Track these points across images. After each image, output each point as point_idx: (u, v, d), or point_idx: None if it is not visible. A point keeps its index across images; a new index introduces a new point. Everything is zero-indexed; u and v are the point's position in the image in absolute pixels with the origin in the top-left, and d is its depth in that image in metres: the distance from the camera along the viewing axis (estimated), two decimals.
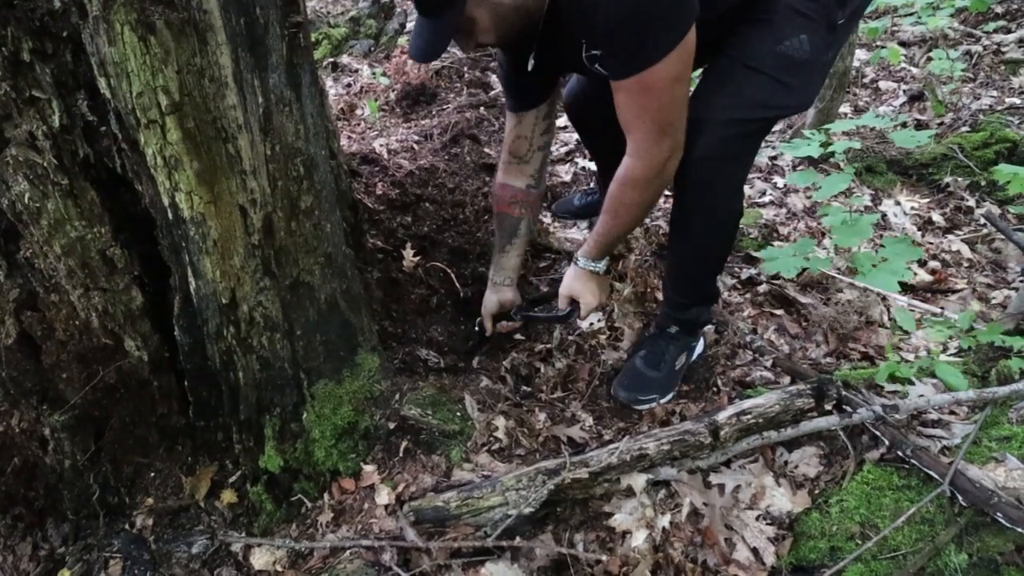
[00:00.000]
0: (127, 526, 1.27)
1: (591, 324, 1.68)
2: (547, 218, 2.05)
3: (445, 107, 2.75)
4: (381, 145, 2.37)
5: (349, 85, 3.12)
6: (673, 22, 1.04)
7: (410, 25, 3.99)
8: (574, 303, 1.44)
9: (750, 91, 1.18)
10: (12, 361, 1.12)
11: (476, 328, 1.65)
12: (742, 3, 1.19)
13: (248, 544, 1.23)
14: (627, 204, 1.26)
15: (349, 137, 2.57)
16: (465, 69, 3.12)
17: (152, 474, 1.30)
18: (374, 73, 3.18)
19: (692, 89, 1.24)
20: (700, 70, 1.32)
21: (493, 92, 2.90)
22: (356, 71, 3.28)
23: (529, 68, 1.31)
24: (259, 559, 1.21)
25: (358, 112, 2.87)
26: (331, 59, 3.44)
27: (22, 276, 1.07)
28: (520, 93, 1.45)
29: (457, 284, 1.75)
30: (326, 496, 1.27)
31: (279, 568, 1.19)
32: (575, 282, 1.41)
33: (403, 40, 3.68)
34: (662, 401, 1.46)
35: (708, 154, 1.21)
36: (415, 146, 2.38)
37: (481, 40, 1.20)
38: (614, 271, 1.83)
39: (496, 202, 1.58)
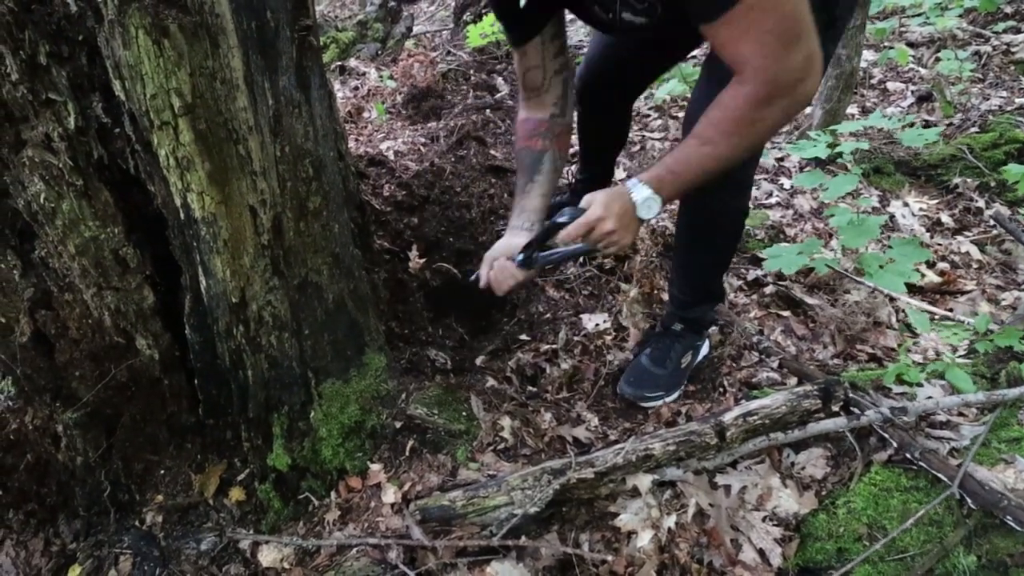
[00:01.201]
0: (137, 523, 1.28)
1: (596, 326, 1.69)
2: None
3: (452, 109, 2.77)
4: (388, 147, 2.38)
5: (357, 88, 3.14)
6: None
7: (417, 28, 4.02)
8: (589, 232, 1.09)
9: None
10: (27, 359, 1.14)
11: (472, 276, 1.37)
12: None
13: (256, 541, 1.24)
14: (733, 124, 0.99)
15: (357, 139, 2.59)
16: (471, 72, 3.14)
17: (162, 471, 1.32)
18: (381, 76, 3.20)
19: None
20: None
21: (499, 95, 2.92)
22: (363, 74, 3.31)
23: (521, 3, 1.15)
24: (267, 556, 1.22)
25: (365, 115, 2.89)
26: (339, 62, 3.47)
27: (37, 275, 1.09)
28: (518, 24, 1.28)
29: (462, 285, 1.76)
30: (333, 494, 1.28)
31: (286, 565, 1.20)
32: (609, 198, 1.08)
33: (410, 43, 3.70)
34: (668, 400, 1.46)
35: None
36: (422, 148, 2.39)
37: None
38: (620, 272, 1.83)
39: (517, 139, 1.39)
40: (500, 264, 1.26)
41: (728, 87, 0.99)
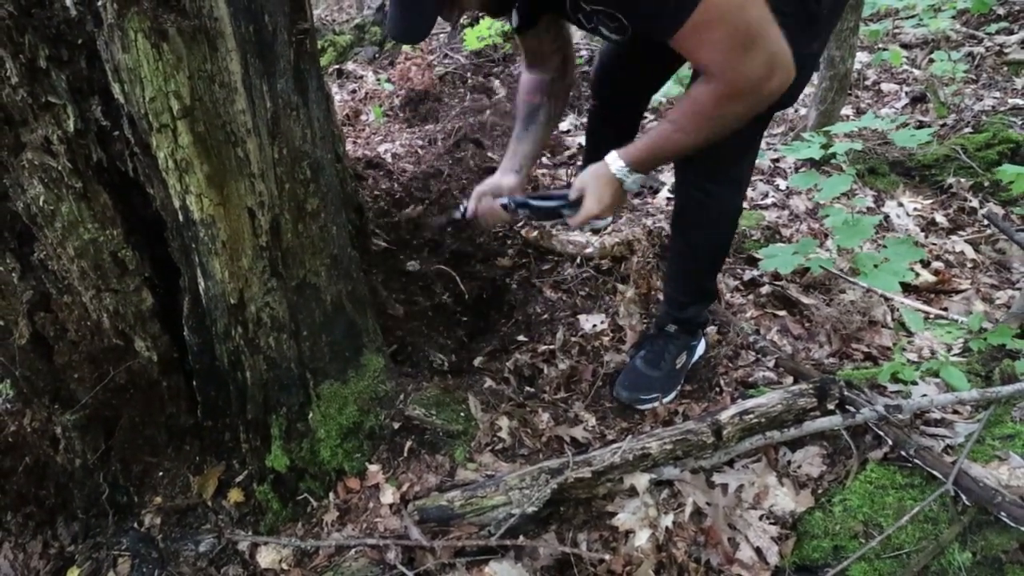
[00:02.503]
0: (136, 525, 1.28)
1: (594, 326, 1.69)
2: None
3: (449, 112, 2.78)
4: (386, 150, 2.39)
5: (354, 91, 3.15)
6: None
7: None
8: (578, 202, 1.22)
9: None
10: (25, 361, 1.14)
11: (460, 207, 1.43)
12: None
13: (255, 543, 1.24)
14: (701, 116, 1.07)
15: (355, 142, 2.60)
16: (468, 75, 3.15)
17: (160, 473, 1.32)
18: (379, 79, 3.22)
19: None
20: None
21: (496, 97, 2.93)
22: (361, 77, 3.32)
23: (514, 24, 1.28)
24: (265, 557, 1.22)
25: (363, 117, 2.90)
26: (337, 66, 3.48)
27: (36, 278, 1.10)
28: (516, 20, 1.34)
29: (462, 286, 1.77)
30: (331, 495, 1.29)
31: (285, 566, 1.20)
32: (591, 178, 1.20)
33: (408, 47, 3.71)
34: (664, 400, 1.46)
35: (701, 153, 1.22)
36: (419, 151, 2.40)
37: (465, 7, 1.16)
38: (617, 273, 1.84)
39: (519, 94, 1.47)
40: (488, 202, 1.34)
41: (699, 82, 1.06)
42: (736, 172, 1.31)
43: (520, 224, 1.99)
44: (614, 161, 1.18)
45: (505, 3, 1.23)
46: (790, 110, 2.99)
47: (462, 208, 1.39)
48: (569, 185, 1.50)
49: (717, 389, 1.51)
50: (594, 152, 1.90)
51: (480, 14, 3.33)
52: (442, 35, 3.74)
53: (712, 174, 1.27)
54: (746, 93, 1.03)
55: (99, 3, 0.85)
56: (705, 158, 1.23)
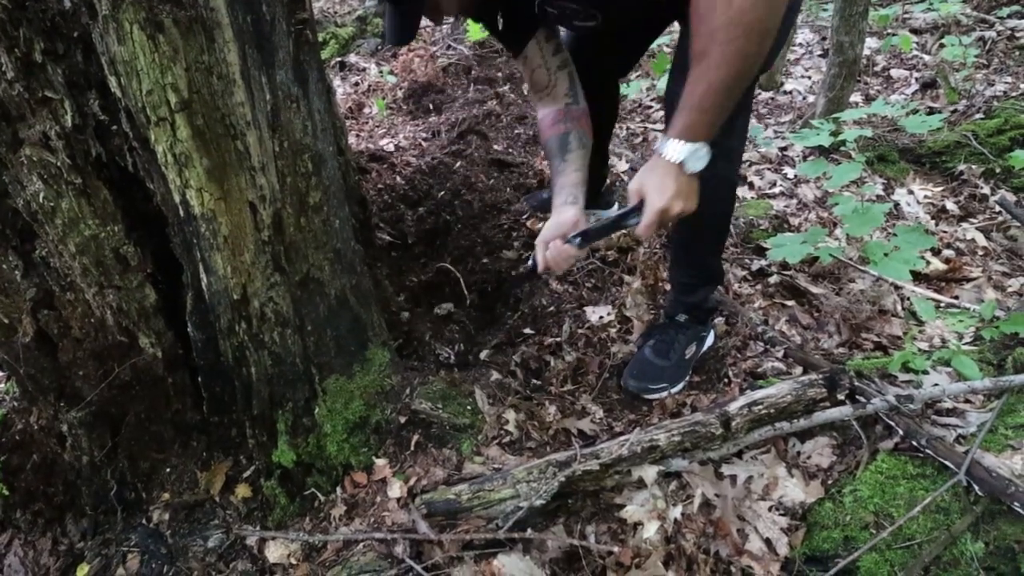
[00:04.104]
0: (144, 521, 1.29)
1: (600, 318, 1.68)
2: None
3: (452, 104, 2.76)
4: (389, 143, 2.38)
5: (357, 84, 3.13)
6: None
7: None
8: (640, 206, 1.10)
9: None
10: (30, 359, 1.14)
11: (528, 262, 1.38)
12: None
13: (263, 537, 1.25)
14: (731, 34, 0.92)
15: (358, 135, 2.58)
16: (472, 65, 3.12)
17: (168, 469, 1.32)
18: (381, 72, 3.20)
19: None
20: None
21: (500, 88, 2.90)
22: (364, 70, 3.30)
23: (499, 27, 1.32)
24: (274, 552, 1.22)
25: (366, 110, 2.88)
26: (339, 58, 3.46)
27: (38, 275, 1.09)
28: (509, 36, 1.38)
29: (463, 285, 1.75)
30: (339, 490, 1.28)
31: (293, 561, 1.20)
32: (646, 173, 1.08)
33: None
34: (673, 391, 1.45)
35: None
36: (423, 143, 2.39)
37: (447, 12, 1.24)
38: (623, 264, 1.83)
39: (541, 133, 1.41)
40: (555, 247, 1.24)
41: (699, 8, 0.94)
42: (728, 143, 1.26)
43: (526, 216, 1.97)
44: (662, 144, 1.06)
45: (487, 6, 1.29)
46: (798, 97, 2.95)
47: (531, 263, 1.31)
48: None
49: (726, 380, 1.49)
50: None
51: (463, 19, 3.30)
52: (445, 26, 3.71)
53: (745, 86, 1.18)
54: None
55: None
56: None
